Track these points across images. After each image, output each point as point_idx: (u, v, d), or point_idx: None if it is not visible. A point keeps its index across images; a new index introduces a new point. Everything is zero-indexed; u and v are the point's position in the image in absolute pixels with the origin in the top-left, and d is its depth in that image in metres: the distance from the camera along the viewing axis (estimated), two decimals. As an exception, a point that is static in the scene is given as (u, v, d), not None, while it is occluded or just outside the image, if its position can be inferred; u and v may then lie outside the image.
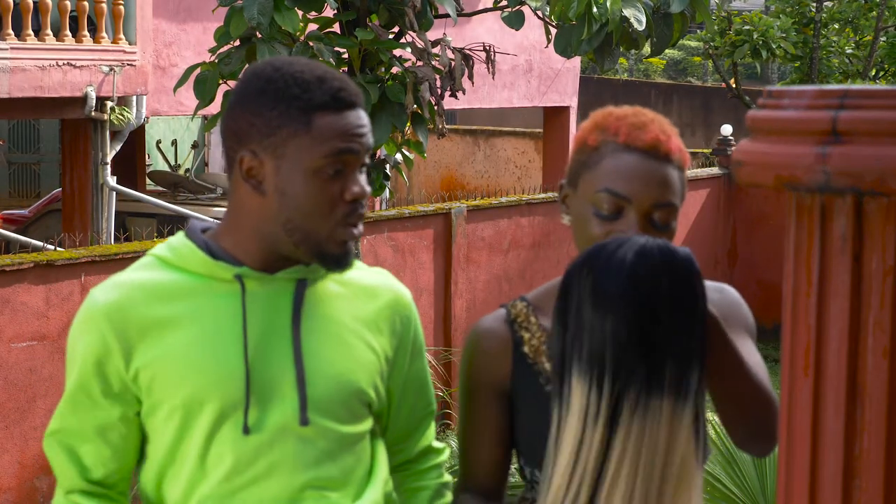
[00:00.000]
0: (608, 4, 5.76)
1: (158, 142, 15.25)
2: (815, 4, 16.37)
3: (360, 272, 2.11)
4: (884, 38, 16.90)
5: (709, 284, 2.20)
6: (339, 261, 1.93)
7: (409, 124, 6.25)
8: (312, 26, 6.25)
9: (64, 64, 9.43)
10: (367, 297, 2.09)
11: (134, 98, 10.09)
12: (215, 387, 1.91)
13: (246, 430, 1.92)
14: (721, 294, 2.19)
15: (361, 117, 1.93)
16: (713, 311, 1.76)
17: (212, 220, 2.15)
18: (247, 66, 5.74)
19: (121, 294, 1.96)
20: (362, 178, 1.93)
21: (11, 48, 9.06)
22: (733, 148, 1.20)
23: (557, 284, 2.23)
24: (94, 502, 2.00)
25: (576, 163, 2.13)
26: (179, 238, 2.00)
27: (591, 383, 1.67)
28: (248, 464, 1.93)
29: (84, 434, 1.99)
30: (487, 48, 6.54)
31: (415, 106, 6.07)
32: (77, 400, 1.99)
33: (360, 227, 1.94)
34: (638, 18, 5.76)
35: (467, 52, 6.40)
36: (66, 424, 2.01)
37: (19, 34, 9.23)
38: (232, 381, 1.91)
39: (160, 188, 11.83)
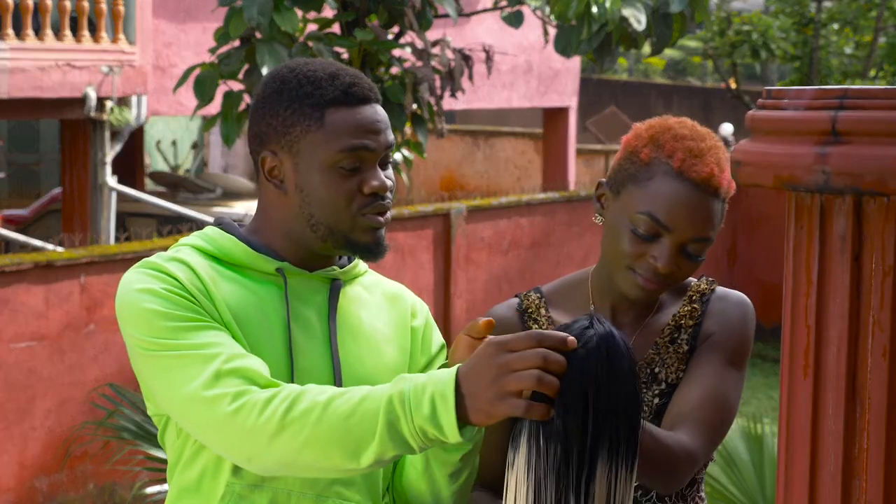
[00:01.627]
0: (607, 4, 5.76)
1: (158, 142, 15.26)
2: (814, 4, 16.38)
3: (382, 281, 2.13)
4: (883, 39, 16.90)
5: (718, 291, 2.17)
6: (370, 249, 1.94)
7: (408, 124, 6.25)
8: (312, 26, 6.25)
9: (63, 64, 9.43)
10: (392, 303, 2.10)
11: (133, 98, 10.09)
12: None
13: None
14: (721, 303, 2.16)
15: (377, 112, 1.93)
16: None
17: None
18: (246, 66, 5.75)
19: (178, 263, 1.91)
20: (383, 172, 1.93)
21: (11, 49, 9.05)
22: (732, 148, 1.19)
23: (575, 279, 2.22)
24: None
25: (623, 170, 2.10)
26: (213, 230, 2.00)
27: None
28: None
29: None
30: (487, 48, 6.54)
31: (414, 106, 6.08)
32: (190, 339, 1.82)
33: (388, 216, 1.94)
34: (637, 18, 5.77)
35: (467, 52, 6.40)
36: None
37: (19, 34, 9.23)
38: (277, 369, 1.91)
39: (160, 188, 11.83)
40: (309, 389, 1.75)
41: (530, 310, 2.19)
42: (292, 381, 1.91)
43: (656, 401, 2.11)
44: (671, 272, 2.04)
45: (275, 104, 1.93)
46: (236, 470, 1.90)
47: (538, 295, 2.21)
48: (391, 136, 1.94)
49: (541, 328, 2.15)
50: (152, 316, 1.84)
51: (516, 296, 2.24)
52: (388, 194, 1.93)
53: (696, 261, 2.06)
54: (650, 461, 1.91)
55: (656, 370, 2.13)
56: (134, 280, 1.89)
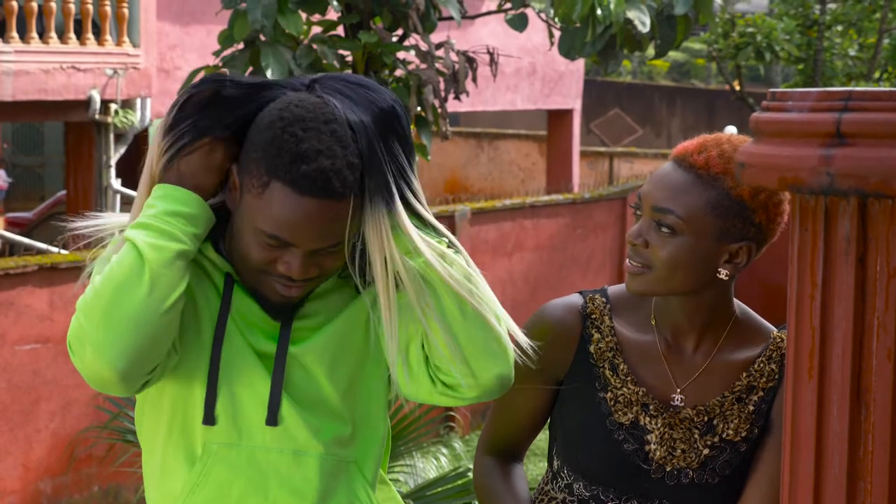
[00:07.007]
0: (612, 6, 5.76)
1: (162, 144, 15.23)
2: (818, 7, 16.37)
3: None
4: (887, 41, 16.89)
5: None
6: (275, 308, 1.91)
7: (412, 127, 6.25)
8: (316, 29, 6.25)
9: (68, 67, 9.44)
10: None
11: (138, 101, 10.10)
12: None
13: (207, 422, 1.90)
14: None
15: (320, 211, 1.80)
16: None
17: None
18: (250, 68, 5.75)
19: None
20: (311, 260, 1.84)
21: (15, 51, 9.06)
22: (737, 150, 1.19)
23: None
24: None
25: None
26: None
27: None
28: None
29: None
30: (491, 51, 6.55)
31: (418, 108, 6.08)
32: None
33: (297, 292, 1.88)
34: (642, 20, 5.77)
35: (471, 54, 6.41)
36: None
37: (23, 37, 9.25)
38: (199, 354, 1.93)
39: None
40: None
41: (594, 315, 2.11)
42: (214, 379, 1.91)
43: (706, 451, 2.06)
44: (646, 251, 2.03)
45: (253, 139, 1.85)
46: (207, 430, 1.91)
47: (604, 299, 2.13)
48: (332, 236, 1.83)
49: (602, 338, 2.10)
50: None
51: (580, 293, 2.16)
52: (306, 280, 1.87)
53: (670, 232, 2.00)
54: None
55: (714, 421, 2.06)
56: None
